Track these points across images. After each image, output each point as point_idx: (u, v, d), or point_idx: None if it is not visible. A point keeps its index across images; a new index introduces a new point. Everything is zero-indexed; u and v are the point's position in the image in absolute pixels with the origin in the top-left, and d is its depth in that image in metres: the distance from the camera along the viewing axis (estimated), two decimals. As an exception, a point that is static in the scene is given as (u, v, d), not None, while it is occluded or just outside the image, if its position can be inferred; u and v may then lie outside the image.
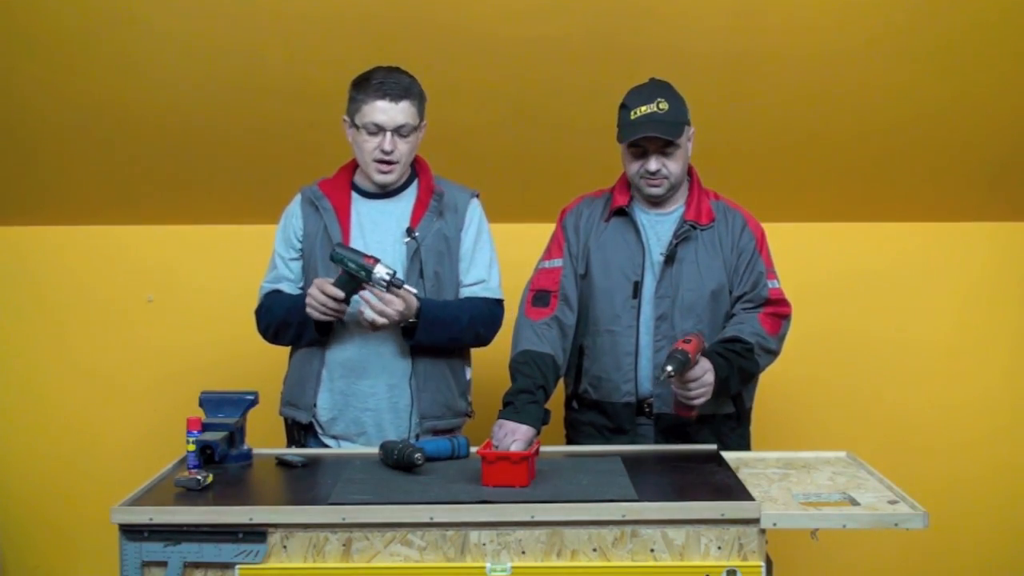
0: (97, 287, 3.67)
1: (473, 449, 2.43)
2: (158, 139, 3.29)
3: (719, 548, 2.06)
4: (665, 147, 2.54)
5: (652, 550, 2.06)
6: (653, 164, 2.55)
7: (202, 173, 3.44)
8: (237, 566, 2.05)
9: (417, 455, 2.28)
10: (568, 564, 2.06)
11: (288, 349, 2.73)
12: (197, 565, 2.06)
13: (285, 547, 2.06)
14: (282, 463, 2.43)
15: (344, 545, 2.06)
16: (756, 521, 2.05)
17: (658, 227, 2.63)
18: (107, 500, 2.12)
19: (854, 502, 2.18)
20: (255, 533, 2.05)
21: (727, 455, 2.47)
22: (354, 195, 2.68)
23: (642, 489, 2.16)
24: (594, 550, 2.06)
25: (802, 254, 3.54)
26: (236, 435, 2.44)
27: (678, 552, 2.06)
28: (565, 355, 2.62)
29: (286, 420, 2.72)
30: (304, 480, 2.34)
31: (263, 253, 2.79)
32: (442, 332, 2.58)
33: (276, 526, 2.06)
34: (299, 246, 2.68)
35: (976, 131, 3.28)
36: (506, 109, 3.21)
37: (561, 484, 2.20)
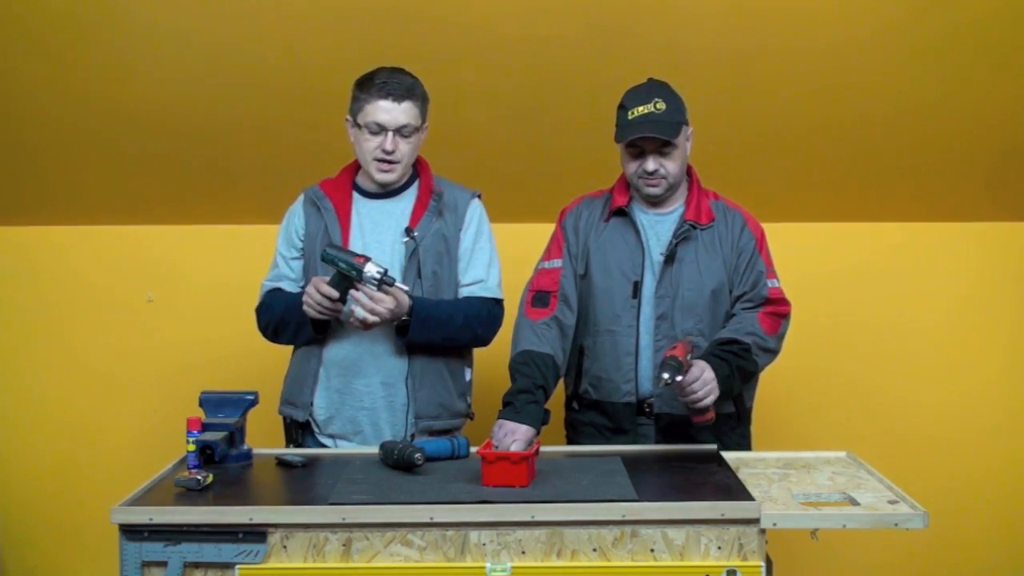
0: (97, 287, 3.67)
1: (473, 449, 2.44)
2: (159, 139, 3.29)
3: (719, 548, 2.06)
4: (662, 147, 2.54)
5: (652, 550, 2.06)
6: (651, 164, 2.55)
7: (202, 173, 3.44)
8: (237, 566, 2.05)
9: (417, 455, 2.28)
10: (568, 564, 2.06)
11: (290, 349, 2.73)
12: (197, 565, 2.06)
13: (285, 547, 2.06)
14: (282, 463, 2.43)
15: (344, 545, 2.06)
16: (756, 521, 2.05)
17: (658, 227, 2.63)
18: (107, 500, 2.12)
19: (854, 502, 2.18)
20: (255, 533, 2.05)
21: (727, 455, 2.47)
22: (355, 195, 2.68)
23: (642, 489, 2.16)
24: (594, 550, 2.06)
25: (802, 254, 3.54)
26: (236, 435, 2.45)
27: (678, 552, 2.06)
28: (565, 355, 2.62)
29: (284, 419, 2.72)
30: (304, 480, 2.34)
31: (263, 253, 2.79)
32: (436, 330, 2.58)
33: (276, 526, 2.06)
34: (300, 245, 2.69)
35: (974, 132, 3.28)
36: (506, 109, 3.21)
37: (561, 484, 2.20)
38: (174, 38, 2.99)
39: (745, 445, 2.68)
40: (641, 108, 2.52)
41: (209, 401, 2.47)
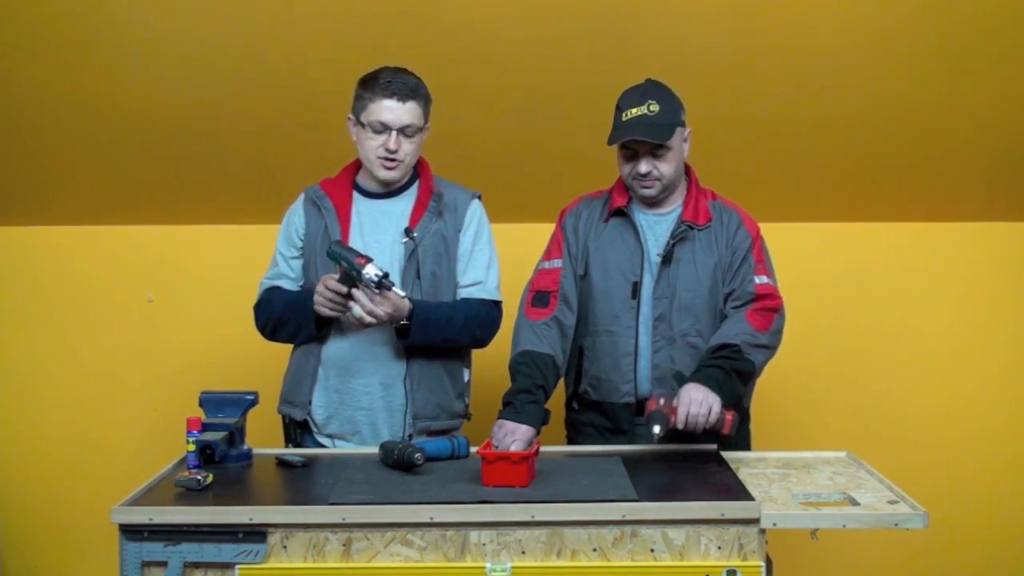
0: (97, 287, 3.67)
1: (473, 449, 2.44)
2: (159, 139, 3.30)
3: (719, 548, 2.06)
4: (655, 149, 2.53)
5: (652, 550, 2.06)
6: (643, 166, 2.55)
7: (202, 173, 3.44)
8: (237, 566, 2.05)
9: (417, 455, 2.28)
10: (568, 564, 2.06)
11: (289, 348, 2.73)
12: (197, 565, 2.06)
13: (285, 547, 2.06)
14: (282, 463, 2.43)
15: (344, 545, 2.06)
16: (756, 521, 2.05)
17: (656, 227, 2.63)
18: (107, 500, 2.12)
19: (854, 502, 2.18)
20: (255, 533, 2.05)
21: (727, 455, 2.47)
22: (355, 195, 2.68)
23: (642, 489, 2.16)
24: (594, 550, 2.06)
25: (802, 254, 3.54)
26: (236, 435, 2.45)
27: (678, 552, 2.06)
28: (565, 355, 2.62)
29: (283, 418, 2.72)
30: (304, 480, 2.34)
31: (263, 253, 2.79)
32: (436, 333, 2.58)
33: (276, 526, 2.06)
34: (300, 245, 2.69)
35: (974, 132, 3.28)
36: (506, 109, 3.21)
37: (561, 484, 2.20)
38: (174, 38, 2.99)
39: (745, 445, 2.67)
40: (634, 110, 2.52)
41: (209, 401, 2.47)
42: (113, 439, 3.66)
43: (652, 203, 2.64)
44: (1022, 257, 3.67)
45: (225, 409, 2.46)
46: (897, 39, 3.00)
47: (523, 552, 2.06)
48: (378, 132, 2.56)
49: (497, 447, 2.29)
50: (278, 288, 2.69)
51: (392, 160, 2.58)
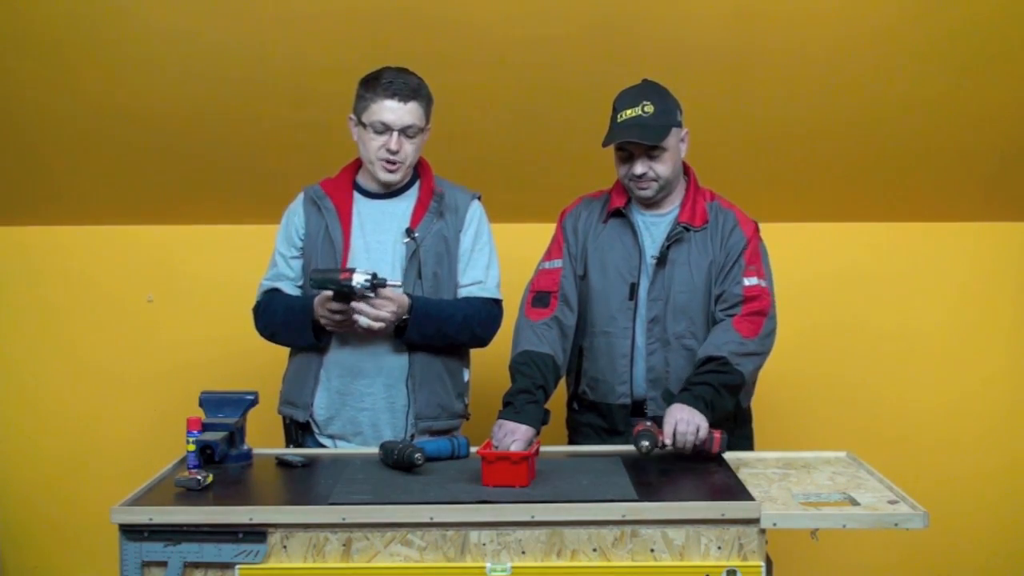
0: (98, 287, 3.67)
1: (473, 449, 2.44)
2: (159, 139, 3.30)
3: (719, 548, 2.06)
4: (651, 150, 2.53)
5: (652, 550, 2.06)
6: (639, 168, 2.54)
7: (202, 173, 3.44)
8: (237, 566, 2.05)
9: (417, 455, 2.28)
10: (568, 564, 2.06)
11: (288, 348, 2.73)
12: (197, 565, 2.06)
13: (285, 547, 2.06)
14: (282, 463, 2.43)
15: (344, 545, 2.06)
16: (756, 521, 2.05)
17: (654, 228, 2.63)
18: (107, 500, 2.12)
19: (854, 502, 2.18)
20: (255, 533, 2.05)
21: (727, 455, 2.47)
22: (356, 195, 2.68)
23: (642, 489, 2.16)
24: (594, 550, 2.06)
25: (801, 254, 3.54)
26: (236, 435, 2.44)
27: (678, 552, 2.06)
28: (565, 355, 2.62)
29: (284, 418, 2.72)
30: (304, 480, 2.33)
31: (263, 253, 2.79)
32: (434, 328, 2.58)
33: (276, 526, 2.06)
34: (300, 245, 2.69)
35: (974, 132, 3.28)
36: (507, 109, 3.21)
37: (561, 484, 2.20)
38: (174, 38, 2.99)
39: (746, 445, 2.67)
40: (629, 111, 2.52)
41: (209, 401, 2.47)
42: (113, 439, 3.66)
43: (650, 204, 2.63)
44: (1022, 257, 3.67)
45: (225, 409, 2.46)
46: (897, 39, 3.00)
47: (523, 552, 2.06)
48: (379, 132, 2.56)
49: (497, 447, 2.29)
50: (278, 291, 2.68)
51: (393, 163, 2.58)
